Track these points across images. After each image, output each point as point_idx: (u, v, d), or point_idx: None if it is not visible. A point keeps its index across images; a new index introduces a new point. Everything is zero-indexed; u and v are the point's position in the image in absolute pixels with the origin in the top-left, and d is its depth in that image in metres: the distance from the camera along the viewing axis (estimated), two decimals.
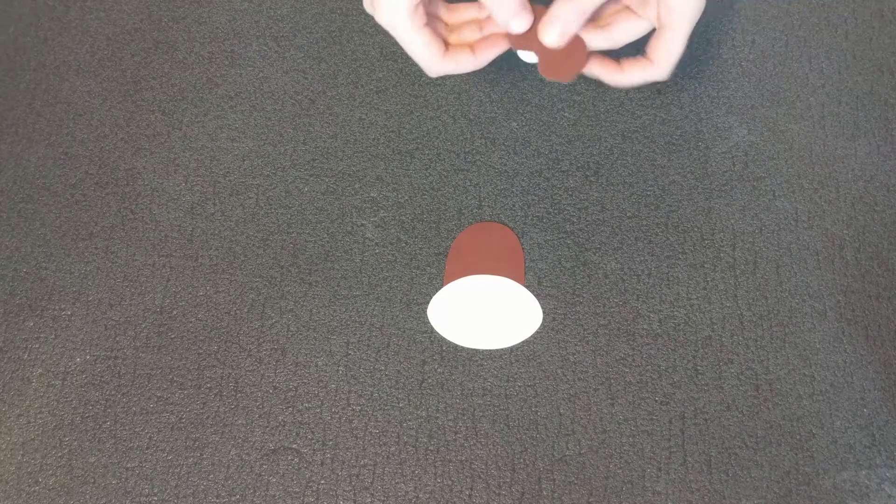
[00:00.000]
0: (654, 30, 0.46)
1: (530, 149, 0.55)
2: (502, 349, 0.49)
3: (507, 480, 0.45)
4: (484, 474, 0.46)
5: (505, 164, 0.54)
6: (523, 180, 0.54)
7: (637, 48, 0.46)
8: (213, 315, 0.50)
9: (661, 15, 0.44)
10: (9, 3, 0.63)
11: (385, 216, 0.53)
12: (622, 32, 0.45)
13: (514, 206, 0.53)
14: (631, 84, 0.46)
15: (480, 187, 0.54)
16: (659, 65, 0.45)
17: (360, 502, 0.45)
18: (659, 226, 0.52)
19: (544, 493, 0.45)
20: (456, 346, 0.49)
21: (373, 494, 0.45)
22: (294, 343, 0.49)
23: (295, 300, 0.51)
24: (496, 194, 0.53)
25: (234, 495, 0.45)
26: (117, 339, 0.50)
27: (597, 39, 0.45)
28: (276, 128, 0.57)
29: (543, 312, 0.50)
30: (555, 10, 0.43)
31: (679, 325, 0.49)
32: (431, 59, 0.43)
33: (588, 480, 0.45)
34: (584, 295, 0.50)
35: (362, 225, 0.53)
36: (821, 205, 0.52)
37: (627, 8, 0.46)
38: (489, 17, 0.46)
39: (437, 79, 0.57)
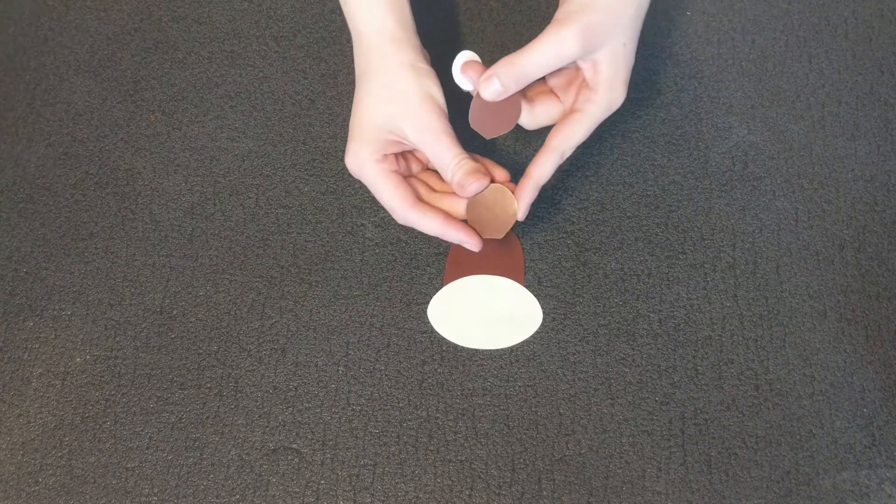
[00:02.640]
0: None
1: (530, 149, 0.55)
2: (502, 349, 0.49)
3: (507, 480, 0.45)
4: (484, 474, 0.46)
5: (505, 164, 0.54)
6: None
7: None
8: (213, 315, 0.50)
9: (578, 101, 0.45)
10: (9, 3, 0.63)
11: (385, 216, 0.53)
12: (542, 114, 0.47)
13: None
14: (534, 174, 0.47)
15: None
16: (557, 150, 0.45)
17: (360, 502, 0.45)
18: (659, 226, 0.52)
19: (544, 493, 0.45)
20: (456, 346, 0.49)
21: (373, 494, 0.45)
22: (294, 343, 0.49)
23: (295, 300, 0.51)
24: None
25: (234, 495, 0.45)
26: (117, 339, 0.50)
27: (549, 143, 0.46)
28: (276, 128, 0.57)
29: (543, 312, 0.50)
30: (495, 68, 0.44)
31: (679, 325, 0.49)
32: (400, 208, 0.45)
33: (588, 480, 0.45)
34: (584, 295, 0.50)
35: (362, 225, 0.53)
36: (821, 205, 0.52)
37: (552, 91, 0.47)
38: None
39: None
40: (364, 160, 0.45)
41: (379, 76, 0.45)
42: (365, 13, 0.47)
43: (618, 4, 0.43)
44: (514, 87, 0.44)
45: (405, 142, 0.45)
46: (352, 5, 0.47)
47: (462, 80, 0.48)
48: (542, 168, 0.46)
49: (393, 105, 0.45)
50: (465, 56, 0.48)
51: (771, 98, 0.56)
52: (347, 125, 0.56)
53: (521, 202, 0.46)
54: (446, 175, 0.45)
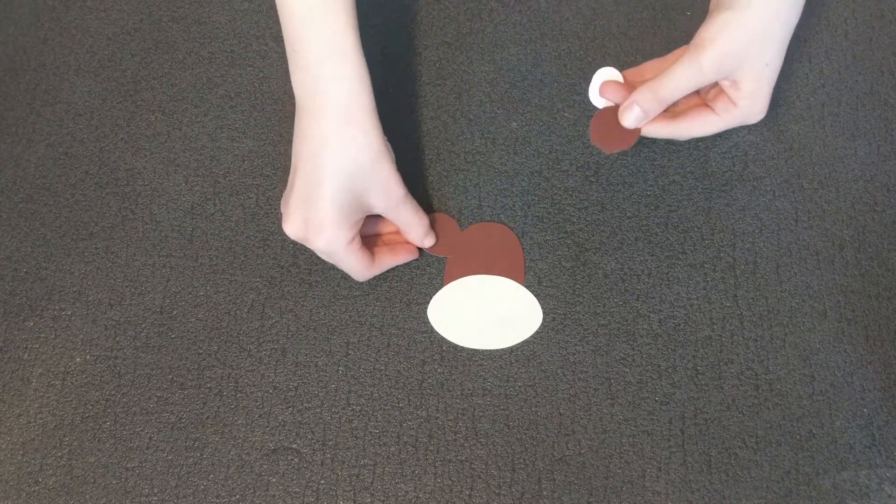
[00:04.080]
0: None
1: (530, 149, 0.55)
2: (502, 349, 0.49)
3: (507, 480, 0.45)
4: (484, 474, 0.45)
5: (505, 164, 0.54)
6: (523, 180, 0.54)
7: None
8: (213, 315, 0.50)
9: (717, 103, 0.48)
10: (9, 3, 0.63)
11: None
12: (698, 128, 0.49)
13: (514, 206, 0.53)
14: (648, 133, 0.50)
15: (480, 187, 0.54)
16: (684, 131, 0.49)
17: (360, 502, 0.45)
18: (659, 226, 0.52)
19: (544, 493, 0.45)
20: (456, 346, 0.49)
21: (373, 494, 0.45)
22: (294, 343, 0.49)
23: (295, 300, 0.51)
24: (496, 194, 0.53)
25: (234, 495, 0.45)
26: (117, 339, 0.50)
27: (666, 129, 0.49)
28: (276, 128, 0.57)
29: (543, 312, 0.50)
30: (636, 96, 0.47)
31: (679, 325, 0.49)
32: (362, 271, 0.48)
33: (588, 480, 0.45)
34: (584, 295, 0.50)
35: None
36: (821, 205, 0.52)
37: (705, 104, 0.48)
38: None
39: (436, 79, 0.57)
40: (340, 246, 0.45)
41: (350, 150, 0.43)
42: (338, 73, 0.42)
43: (758, 25, 0.44)
44: (654, 112, 0.47)
45: (368, 210, 0.46)
46: (326, 67, 0.42)
47: (597, 98, 0.50)
48: (657, 130, 0.48)
49: (360, 184, 0.44)
50: (604, 74, 0.51)
51: (771, 98, 0.56)
52: None
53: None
54: (409, 234, 0.49)
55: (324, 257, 0.47)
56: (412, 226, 0.48)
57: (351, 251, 0.45)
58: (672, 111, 0.50)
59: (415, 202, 0.48)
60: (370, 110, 0.44)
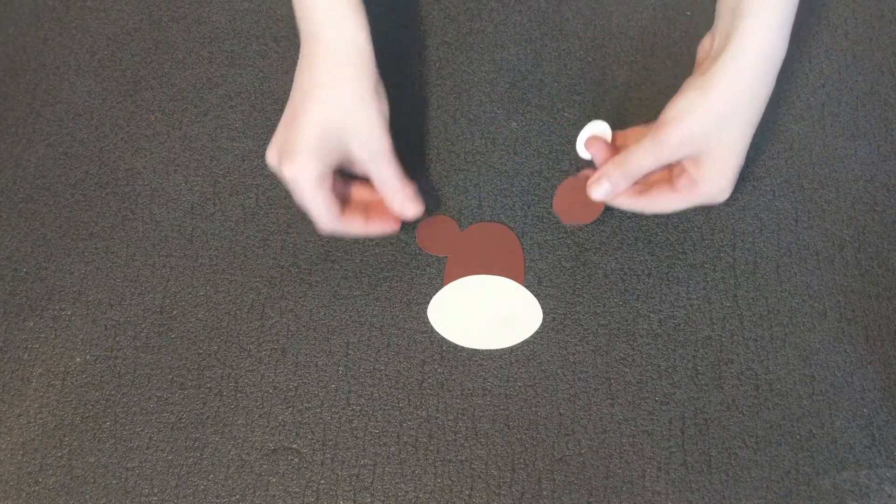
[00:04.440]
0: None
1: (530, 149, 0.55)
2: (502, 349, 0.49)
3: (507, 480, 0.45)
4: (484, 474, 0.45)
5: (505, 164, 0.54)
6: (523, 180, 0.54)
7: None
8: (213, 315, 0.50)
9: (680, 181, 0.47)
10: (9, 3, 0.63)
11: None
12: (656, 204, 0.48)
13: (514, 206, 0.53)
14: (615, 205, 0.49)
15: (480, 187, 0.54)
16: (646, 207, 0.48)
17: (360, 502, 0.45)
18: (659, 226, 0.52)
19: (544, 493, 0.45)
20: (456, 346, 0.49)
21: (373, 494, 0.45)
22: (294, 343, 0.49)
23: (295, 300, 0.51)
24: (496, 194, 0.53)
25: (234, 495, 0.45)
26: (117, 339, 0.50)
27: (629, 203, 0.48)
28: (276, 128, 0.57)
29: (543, 312, 0.50)
30: (605, 170, 0.47)
31: (679, 325, 0.49)
32: (327, 219, 0.46)
33: (588, 480, 0.45)
34: (584, 295, 0.50)
35: None
36: (821, 205, 0.52)
37: (670, 180, 0.48)
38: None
39: (436, 79, 0.57)
40: (308, 178, 0.44)
41: (339, 88, 0.44)
42: (338, 20, 0.45)
43: (722, 107, 0.44)
44: (622, 188, 0.47)
45: (347, 159, 0.45)
46: (321, 10, 0.45)
47: (583, 150, 0.51)
48: (619, 199, 0.48)
49: (342, 121, 0.44)
50: (592, 128, 0.51)
51: (771, 98, 0.56)
52: None
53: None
54: (386, 194, 0.47)
55: (293, 195, 0.45)
56: (392, 189, 0.46)
57: (318, 192, 0.44)
58: (642, 183, 0.49)
59: (399, 166, 0.46)
60: (367, 56, 0.45)
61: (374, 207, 0.49)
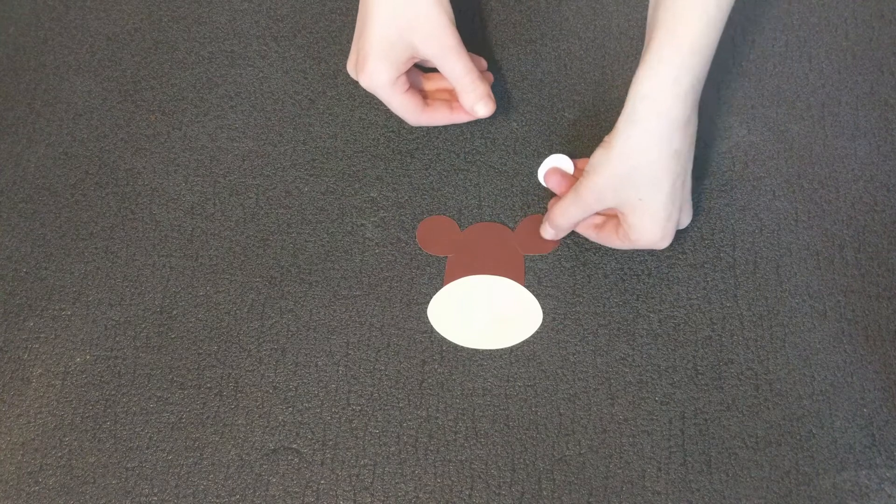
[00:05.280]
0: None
1: (530, 149, 0.55)
2: (502, 349, 0.49)
3: (507, 480, 0.45)
4: (484, 474, 0.45)
5: (505, 164, 0.54)
6: (523, 180, 0.54)
7: None
8: (213, 315, 0.50)
9: (619, 229, 0.47)
10: (9, 3, 0.63)
11: (385, 216, 0.53)
12: (607, 241, 0.49)
13: (514, 206, 0.53)
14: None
15: (480, 187, 0.54)
16: (596, 239, 0.50)
17: (360, 502, 0.45)
18: None
19: (544, 493, 0.45)
20: (456, 346, 0.49)
21: (373, 494, 0.45)
22: (294, 343, 0.49)
23: (295, 300, 0.51)
24: (496, 194, 0.53)
25: (234, 495, 0.45)
26: (117, 339, 0.50)
27: (589, 236, 0.50)
28: (276, 128, 0.57)
29: (543, 312, 0.50)
30: (550, 215, 0.49)
31: (679, 325, 0.49)
32: (411, 115, 0.49)
33: (588, 480, 0.45)
34: (584, 295, 0.50)
35: (362, 225, 0.53)
36: (821, 205, 0.52)
37: (617, 219, 0.48)
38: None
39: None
40: (380, 83, 0.47)
41: None
42: None
43: (621, 167, 0.44)
44: (564, 232, 0.50)
45: (420, 57, 0.47)
46: None
47: (542, 181, 0.52)
48: (580, 229, 0.50)
49: (406, 21, 0.45)
50: (552, 162, 0.52)
51: (771, 98, 0.56)
52: (347, 125, 0.57)
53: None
54: (458, 90, 0.48)
55: (367, 89, 0.48)
56: (462, 86, 0.48)
57: (395, 93, 0.47)
58: (602, 216, 0.49)
59: (469, 63, 0.47)
60: None
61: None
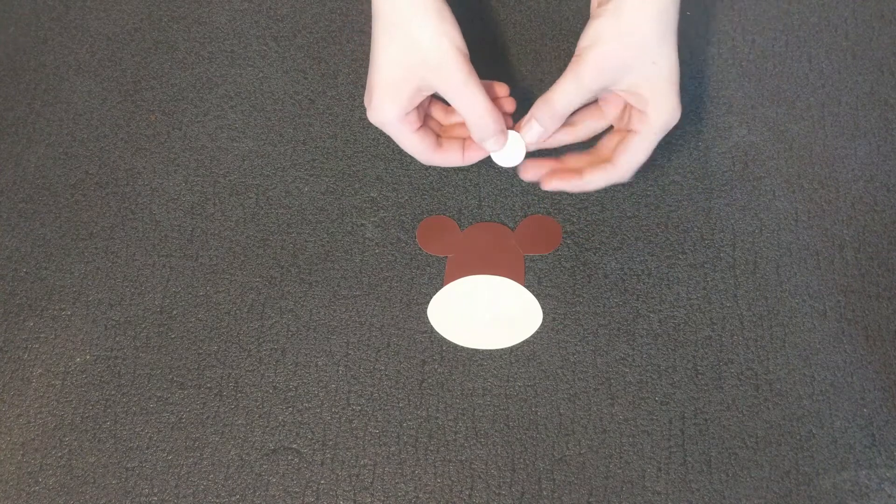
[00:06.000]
0: (612, 128, 0.49)
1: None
2: (502, 349, 0.49)
3: (507, 480, 0.45)
4: (484, 474, 0.45)
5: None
6: (523, 180, 0.54)
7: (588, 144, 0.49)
8: (213, 315, 0.50)
9: (633, 121, 0.46)
10: (9, 3, 0.63)
11: (385, 216, 0.53)
12: (586, 129, 0.49)
13: (514, 206, 0.53)
14: (593, 189, 0.49)
15: (480, 187, 0.54)
16: (621, 169, 0.47)
17: (360, 502, 0.45)
18: (659, 226, 0.52)
19: (544, 493, 0.45)
20: (456, 346, 0.49)
21: (373, 494, 0.45)
22: (294, 343, 0.49)
23: (295, 300, 0.51)
24: (496, 194, 0.53)
25: (234, 495, 0.45)
26: (117, 339, 0.50)
27: (563, 136, 0.49)
28: (276, 128, 0.57)
29: (543, 312, 0.50)
30: (533, 112, 0.46)
31: (679, 325, 0.49)
32: (421, 155, 0.47)
33: (588, 480, 0.45)
34: (584, 295, 0.50)
35: (362, 225, 0.53)
36: (821, 205, 0.52)
37: (627, 131, 0.47)
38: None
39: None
40: (388, 119, 0.45)
41: (402, 24, 0.44)
42: None
43: (629, 28, 0.42)
44: (553, 127, 0.46)
45: (425, 90, 0.45)
46: None
47: (499, 157, 0.49)
48: (598, 182, 0.47)
49: (413, 53, 0.44)
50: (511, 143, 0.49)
51: (771, 98, 0.56)
52: (347, 125, 0.57)
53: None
54: (468, 125, 0.46)
55: (378, 127, 0.46)
56: (472, 120, 0.45)
57: (403, 129, 0.45)
58: (598, 156, 0.48)
59: (482, 96, 0.44)
60: (437, 2, 0.44)
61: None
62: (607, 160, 0.47)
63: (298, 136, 0.56)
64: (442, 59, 0.43)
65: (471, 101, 0.44)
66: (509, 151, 0.48)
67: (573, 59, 0.44)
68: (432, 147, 0.47)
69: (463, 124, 0.49)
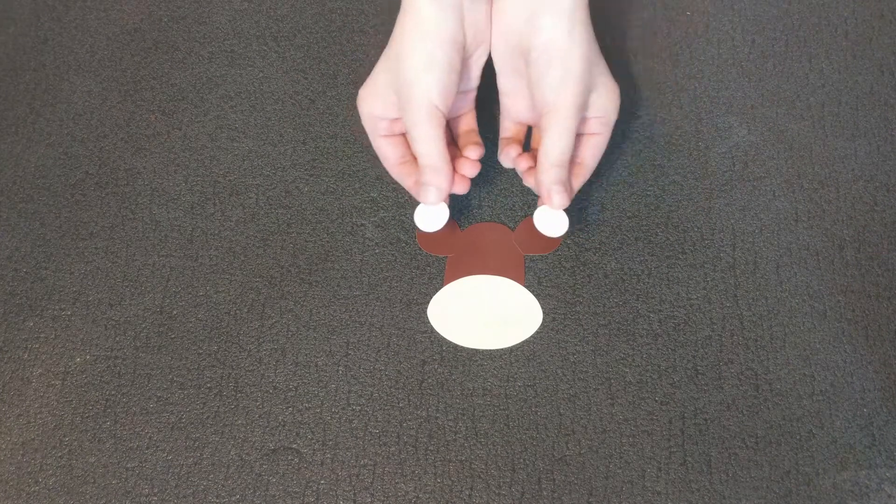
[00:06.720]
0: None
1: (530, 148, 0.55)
2: (502, 349, 0.49)
3: (507, 480, 0.45)
4: (484, 474, 0.45)
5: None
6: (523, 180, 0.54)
7: None
8: (213, 315, 0.50)
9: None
10: (9, 3, 0.63)
11: (385, 216, 0.53)
12: (596, 154, 0.50)
13: (514, 206, 0.53)
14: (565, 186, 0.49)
15: (480, 187, 0.54)
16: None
17: (360, 502, 0.45)
18: (659, 226, 0.52)
19: (544, 493, 0.45)
20: (456, 346, 0.49)
21: (373, 494, 0.45)
22: (294, 343, 0.49)
23: (295, 300, 0.51)
24: (496, 194, 0.53)
25: (234, 495, 0.45)
26: (117, 339, 0.50)
27: (578, 181, 0.49)
28: (276, 128, 0.57)
29: (543, 312, 0.50)
30: (545, 180, 0.46)
31: (679, 325, 0.49)
32: (388, 164, 0.50)
33: (588, 480, 0.45)
34: (584, 295, 0.50)
35: (362, 225, 0.53)
36: (821, 205, 0.52)
37: (583, 134, 0.48)
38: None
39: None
40: (363, 112, 0.48)
41: (412, 49, 0.45)
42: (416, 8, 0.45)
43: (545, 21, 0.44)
44: (569, 182, 0.47)
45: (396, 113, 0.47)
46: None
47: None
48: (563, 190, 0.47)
49: (407, 81, 0.45)
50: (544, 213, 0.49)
51: (771, 98, 0.56)
52: (347, 125, 0.57)
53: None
54: (419, 165, 0.47)
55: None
56: (419, 156, 0.46)
57: (376, 135, 0.49)
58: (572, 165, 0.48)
59: (439, 147, 0.45)
60: (448, 31, 0.45)
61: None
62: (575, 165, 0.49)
63: (298, 136, 0.56)
64: (414, 95, 0.45)
65: (419, 139, 0.45)
66: (433, 215, 0.49)
67: (544, 112, 0.46)
68: (394, 161, 0.49)
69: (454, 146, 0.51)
